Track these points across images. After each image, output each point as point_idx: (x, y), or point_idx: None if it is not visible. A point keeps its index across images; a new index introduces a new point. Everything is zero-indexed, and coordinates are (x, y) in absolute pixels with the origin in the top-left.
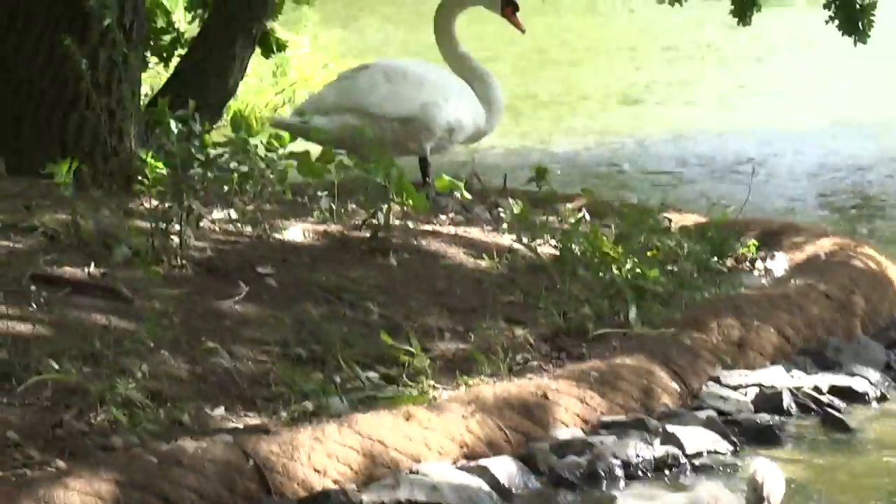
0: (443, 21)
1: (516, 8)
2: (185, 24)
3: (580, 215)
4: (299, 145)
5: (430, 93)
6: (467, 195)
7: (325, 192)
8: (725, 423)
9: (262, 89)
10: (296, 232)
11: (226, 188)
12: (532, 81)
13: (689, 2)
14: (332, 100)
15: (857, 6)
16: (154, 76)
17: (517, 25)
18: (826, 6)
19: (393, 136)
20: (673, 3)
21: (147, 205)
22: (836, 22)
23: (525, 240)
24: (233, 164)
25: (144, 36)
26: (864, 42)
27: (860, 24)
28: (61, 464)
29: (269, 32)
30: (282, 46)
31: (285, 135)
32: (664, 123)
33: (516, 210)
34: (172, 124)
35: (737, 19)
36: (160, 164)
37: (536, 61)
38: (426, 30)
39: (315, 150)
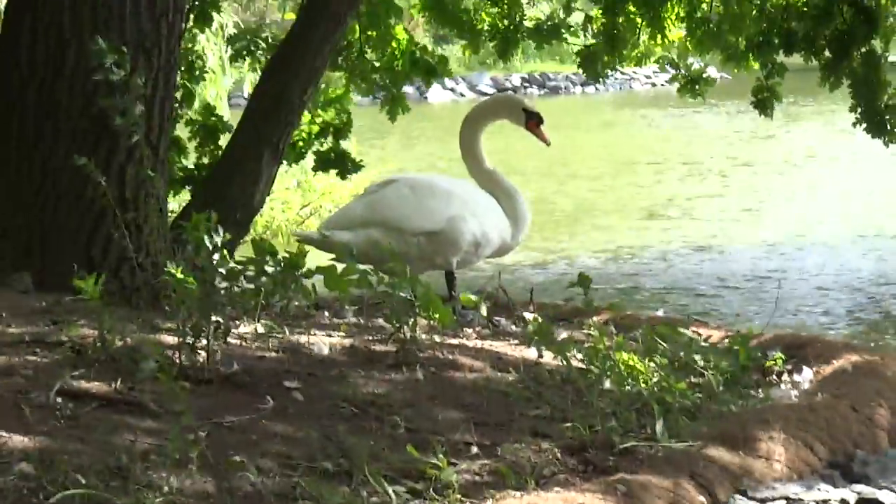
0: (468, 136)
1: (540, 121)
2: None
3: (607, 329)
4: (325, 259)
5: (457, 207)
6: (485, 312)
7: (352, 307)
8: None
9: (287, 200)
10: (322, 346)
11: (252, 303)
12: (554, 195)
13: (708, 116)
14: (359, 214)
15: (883, 107)
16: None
17: (542, 138)
18: (852, 109)
19: (419, 250)
20: (695, 97)
21: (174, 320)
22: (864, 125)
23: (551, 353)
24: (259, 280)
25: (168, 151)
26: (894, 142)
27: (887, 125)
28: None
29: (345, 154)
30: (357, 167)
31: (307, 252)
32: (687, 237)
33: (542, 324)
34: (203, 239)
35: (758, 111)
36: (188, 280)
37: (558, 175)
38: (450, 142)
39: (342, 264)
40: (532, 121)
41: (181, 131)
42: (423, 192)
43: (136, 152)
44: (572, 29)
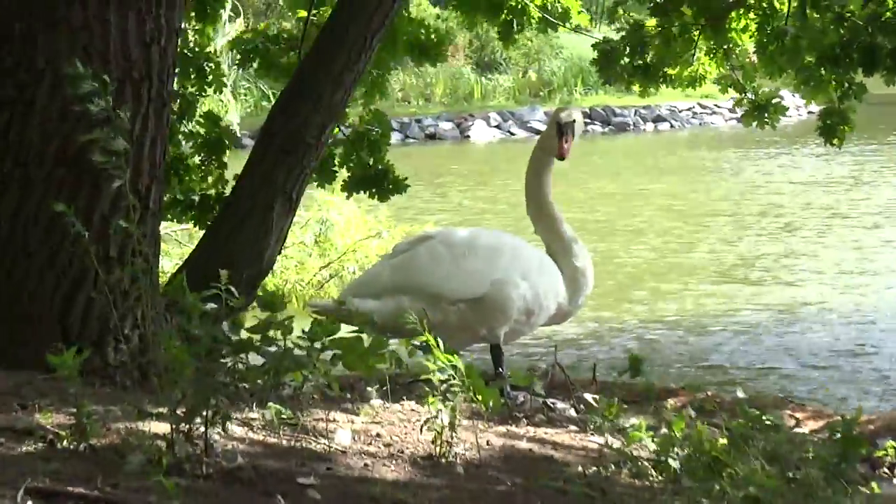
0: (539, 167)
1: (568, 133)
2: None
3: (684, 413)
4: (347, 329)
5: (504, 268)
6: (542, 392)
7: (378, 387)
8: None
9: (303, 260)
10: (343, 435)
11: (260, 382)
12: (618, 252)
13: (800, 158)
14: (387, 278)
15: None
16: (175, 247)
17: (557, 149)
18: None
19: (459, 320)
20: (763, 126)
21: (166, 403)
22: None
23: (618, 443)
24: (270, 354)
25: (162, 201)
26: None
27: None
28: None
29: (386, 169)
30: (401, 187)
31: (327, 322)
32: (771, 304)
33: (607, 407)
34: (197, 305)
35: (824, 139)
36: (182, 354)
37: (622, 229)
38: (481, 192)
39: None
40: (561, 132)
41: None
42: (462, 251)
43: (121, 202)
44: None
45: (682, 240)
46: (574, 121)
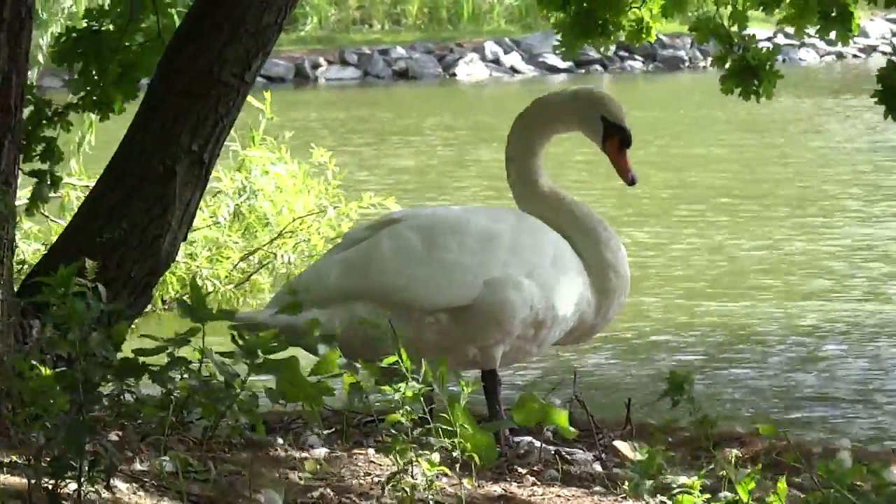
0: (521, 146)
1: (625, 141)
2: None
3: (755, 468)
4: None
5: (502, 262)
6: (571, 430)
7: (324, 430)
8: None
9: (221, 243)
10: (273, 496)
11: (156, 421)
12: (655, 245)
13: None
14: (335, 280)
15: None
16: (40, 224)
17: (622, 170)
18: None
19: (438, 336)
20: (748, 96)
21: (24, 449)
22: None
23: None
24: (169, 380)
25: (18, 163)
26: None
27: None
28: None
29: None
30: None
31: (264, 335)
32: (882, 321)
33: (647, 460)
34: (76, 310)
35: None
36: (47, 380)
37: (661, 213)
38: (471, 155)
39: (308, 357)
40: (612, 137)
41: None
42: (441, 240)
43: None
44: None
45: (741, 227)
46: (620, 116)
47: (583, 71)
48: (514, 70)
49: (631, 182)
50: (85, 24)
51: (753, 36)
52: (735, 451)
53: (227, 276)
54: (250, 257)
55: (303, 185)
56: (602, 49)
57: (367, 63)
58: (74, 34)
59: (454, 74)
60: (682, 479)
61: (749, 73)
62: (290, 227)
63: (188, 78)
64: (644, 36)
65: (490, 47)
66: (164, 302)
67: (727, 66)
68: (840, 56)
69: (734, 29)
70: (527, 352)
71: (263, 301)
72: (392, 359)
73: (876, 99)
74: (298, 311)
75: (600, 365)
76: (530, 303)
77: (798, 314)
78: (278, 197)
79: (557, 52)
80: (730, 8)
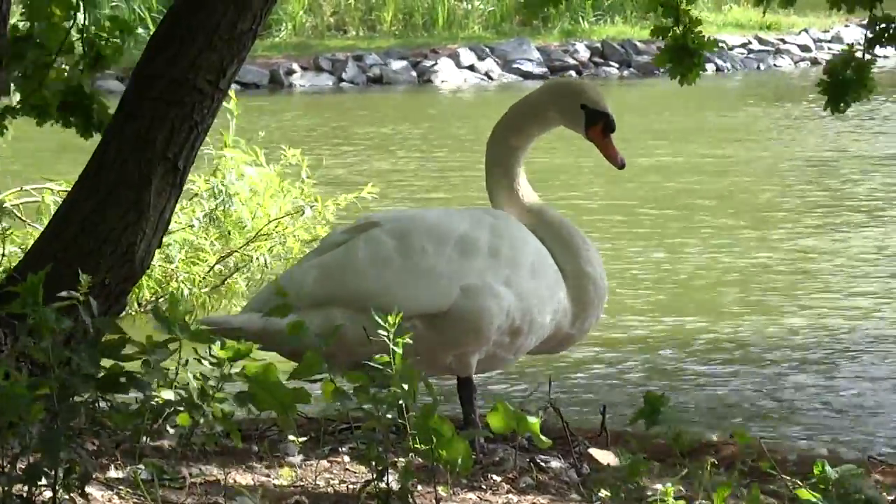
0: (498, 152)
1: (609, 126)
2: None
3: (729, 475)
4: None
5: (479, 269)
6: (544, 440)
7: (299, 437)
8: None
9: (198, 244)
10: (248, 503)
11: (130, 429)
12: (633, 251)
13: None
14: (312, 284)
15: None
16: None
17: (609, 155)
18: None
19: (413, 343)
20: (679, 80)
21: None
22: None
23: None
24: (145, 386)
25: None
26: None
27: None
28: None
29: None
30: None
31: (237, 346)
32: (831, 323)
33: (622, 468)
34: (47, 318)
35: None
36: (19, 389)
37: (640, 218)
38: (446, 160)
39: (283, 363)
40: (596, 124)
41: None
42: (418, 244)
43: None
44: None
45: (748, 237)
46: (601, 102)
47: (557, 77)
48: (488, 76)
49: (620, 165)
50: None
51: (699, 20)
52: (711, 459)
53: (202, 280)
54: (226, 260)
55: (278, 187)
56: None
57: (342, 69)
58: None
59: (429, 80)
60: (657, 487)
61: (685, 54)
62: (266, 230)
63: (163, 85)
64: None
65: (465, 54)
66: (139, 304)
67: (666, 40)
68: (815, 62)
69: (683, 6)
70: (502, 359)
71: (239, 305)
72: (385, 359)
73: (820, 89)
74: (287, 314)
75: (576, 372)
76: (507, 310)
77: (777, 322)
78: (252, 201)
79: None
80: None
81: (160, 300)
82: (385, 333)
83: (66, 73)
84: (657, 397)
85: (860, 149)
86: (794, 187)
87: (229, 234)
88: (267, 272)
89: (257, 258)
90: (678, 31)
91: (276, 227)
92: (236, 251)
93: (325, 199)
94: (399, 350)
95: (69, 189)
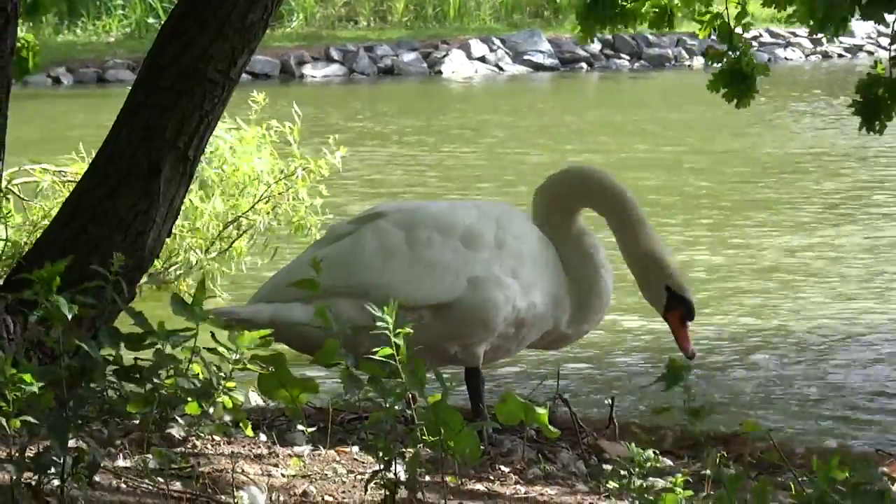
0: (555, 214)
1: (689, 317)
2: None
3: (738, 470)
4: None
5: (486, 261)
6: (554, 430)
7: (307, 427)
8: None
9: (196, 212)
10: (256, 492)
11: (140, 417)
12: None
13: None
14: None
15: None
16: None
17: (684, 346)
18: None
19: (421, 334)
20: (731, 100)
21: (6, 445)
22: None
23: None
24: (152, 372)
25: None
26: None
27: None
28: None
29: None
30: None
31: (247, 334)
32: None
33: (630, 461)
34: (59, 307)
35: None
36: (27, 377)
37: (654, 202)
38: (456, 152)
39: (290, 353)
40: (676, 309)
41: None
42: (424, 236)
43: None
44: None
45: (764, 230)
46: (682, 282)
47: (568, 69)
48: (499, 68)
49: (691, 356)
50: None
51: (750, 44)
52: (721, 452)
53: (209, 247)
54: (229, 227)
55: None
56: (628, 29)
57: (353, 60)
58: None
59: (440, 72)
60: (667, 478)
61: (738, 78)
62: (270, 194)
63: (173, 74)
64: (665, 24)
65: (476, 45)
66: (148, 275)
67: (720, 64)
68: (826, 55)
69: (738, 31)
70: (507, 350)
71: (240, 273)
72: (387, 351)
73: (853, 109)
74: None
75: (584, 363)
76: (513, 302)
77: (785, 315)
78: (241, 160)
79: (574, 35)
80: (738, 8)
81: (168, 270)
82: (387, 325)
83: None
84: (680, 366)
85: (883, 142)
86: (807, 180)
87: (227, 193)
88: (270, 236)
89: (260, 222)
90: (733, 57)
91: (278, 187)
92: (242, 216)
93: (335, 191)
94: (401, 342)
95: (62, 170)
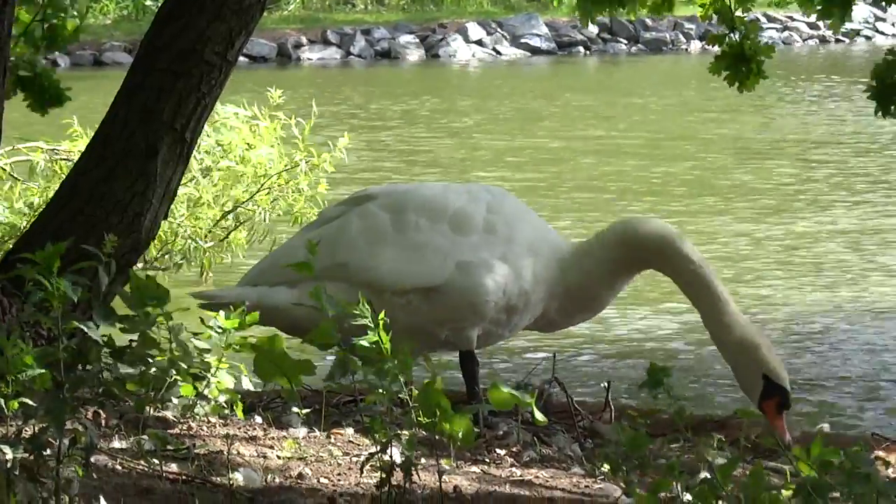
0: (621, 265)
1: (785, 405)
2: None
3: (734, 452)
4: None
5: (475, 245)
6: (542, 417)
7: (302, 409)
8: None
9: (195, 201)
10: (251, 474)
11: (135, 398)
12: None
13: None
14: (307, 258)
15: None
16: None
17: (780, 434)
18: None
19: (409, 318)
20: (744, 86)
21: (3, 426)
22: None
23: (641, 491)
24: (142, 353)
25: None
26: None
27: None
28: None
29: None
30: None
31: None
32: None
33: (626, 442)
34: (55, 289)
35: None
36: (27, 360)
37: (655, 186)
38: (450, 137)
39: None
40: (772, 398)
41: None
42: (412, 219)
43: None
44: None
45: (764, 212)
46: (781, 374)
47: (565, 52)
48: (496, 51)
49: (787, 446)
50: None
51: (755, 24)
52: (716, 436)
53: (207, 235)
54: (228, 216)
55: (275, 137)
56: (628, 15)
57: (350, 43)
58: None
59: (437, 55)
60: (660, 462)
61: (741, 61)
62: (269, 184)
63: (171, 56)
64: (665, 7)
65: (473, 28)
66: (145, 261)
67: (722, 48)
68: (823, 40)
69: (738, 13)
70: (499, 335)
71: (238, 262)
72: (373, 338)
73: (868, 94)
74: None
75: (581, 349)
76: (503, 287)
77: (781, 301)
78: (246, 152)
79: (575, 16)
80: None
81: (166, 256)
82: (370, 310)
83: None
84: (659, 369)
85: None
86: (802, 165)
87: (226, 184)
88: (268, 225)
89: (259, 213)
90: (734, 39)
91: (278, 179)
92: (242, 205)
93: (333, 179)
94: (381, 328)
95: (56, 147)
